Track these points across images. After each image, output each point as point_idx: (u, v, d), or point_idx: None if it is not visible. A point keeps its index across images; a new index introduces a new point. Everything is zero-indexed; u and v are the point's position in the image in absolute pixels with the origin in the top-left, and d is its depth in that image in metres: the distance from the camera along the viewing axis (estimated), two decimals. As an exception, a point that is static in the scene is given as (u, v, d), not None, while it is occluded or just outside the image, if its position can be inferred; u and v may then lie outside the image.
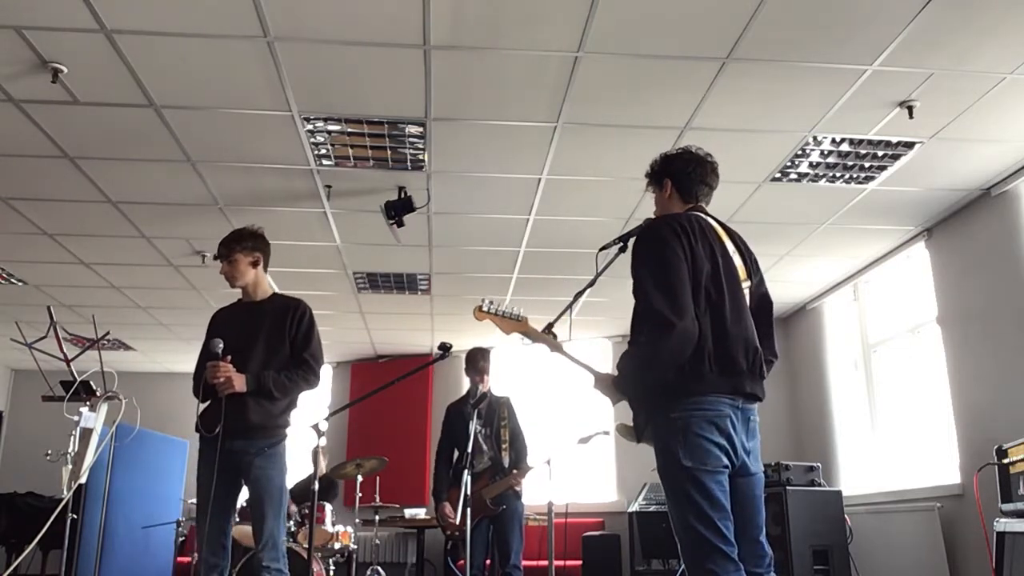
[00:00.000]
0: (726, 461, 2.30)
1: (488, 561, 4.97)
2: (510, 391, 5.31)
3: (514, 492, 4.81)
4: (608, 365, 7.63)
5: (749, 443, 2.40)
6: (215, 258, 3.70)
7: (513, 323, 2.63)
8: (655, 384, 2.34)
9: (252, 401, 3.40)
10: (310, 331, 3.60)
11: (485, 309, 2.63)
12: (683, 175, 2.63)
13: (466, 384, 9.21)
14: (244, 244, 3.61)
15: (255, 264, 3.64)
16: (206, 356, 3.45)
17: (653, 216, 2.74)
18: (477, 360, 4.84)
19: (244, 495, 3.55)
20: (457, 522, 4.63)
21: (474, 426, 4.54)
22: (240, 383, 3.37)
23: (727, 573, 2.20)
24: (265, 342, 3.52)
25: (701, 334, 2.31)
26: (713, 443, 2.28)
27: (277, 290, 3.81)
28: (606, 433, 4.87)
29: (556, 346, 2.63)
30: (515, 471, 4.79)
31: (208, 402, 3.47)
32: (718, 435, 2.29)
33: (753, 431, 2.42)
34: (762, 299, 2.58)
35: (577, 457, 7.67)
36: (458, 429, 4.86)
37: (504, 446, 4.86)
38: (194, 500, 3.51)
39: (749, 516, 2.37)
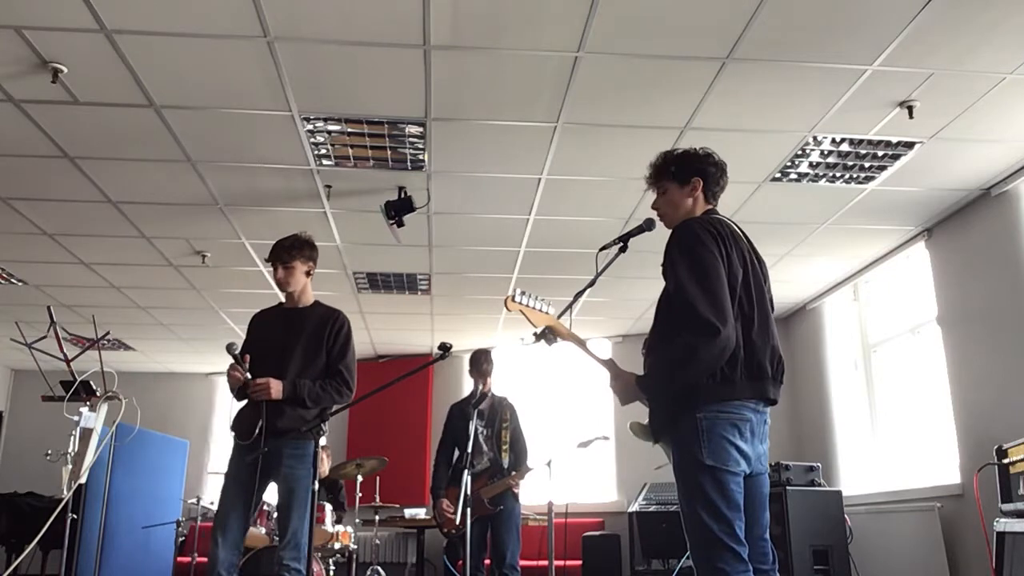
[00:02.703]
0: (743, 465, 2.32)
1: (488, 561, 4.98)
2: (509, 393, 5.32)
3: (512, 493, 4.83)
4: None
5: (761, 447, 2.43)
6: (266, 260, 3.75)
7: (543, 316, 2.60)
8: (683, 386, 2.34)
9: (287, 407, 3.46)
10: (347, 343, 3.67)
11: (516, 300, 2.58)
12: (712, 178, 2.62)
13: (466, 384, 9.23)
14: (304, 252, 3.69)
15: (308, 273, 3.73)
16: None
17: (652, 214, 2.74)
18: (480, 362, 4.88)
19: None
20: (457, 519, 4.64)
21: (474, 425, 4.55)
22: (277, 390, 3.43)
23: (737, 573, 2.21)
24: (303, 349, 3.58)
25: (736, 341, 2.32)
26: (734, 446, 2.30)
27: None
28: (606, 438, 4.87)
29: (580, 343, 2.61)
30: (514, 472, 4.82)
31: (244, 401, 3.56)
32: (739, 439, 2.31)
33: (765, 435, 2.45)
34: (769, 303, 2.59)
35: (577, 457, 7.66)
36: (459, 428, 4.88)
37: (504, 447, 4.89)
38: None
39: (756, 515, 2.40)
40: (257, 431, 3.37)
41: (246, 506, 3.43)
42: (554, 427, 8.18)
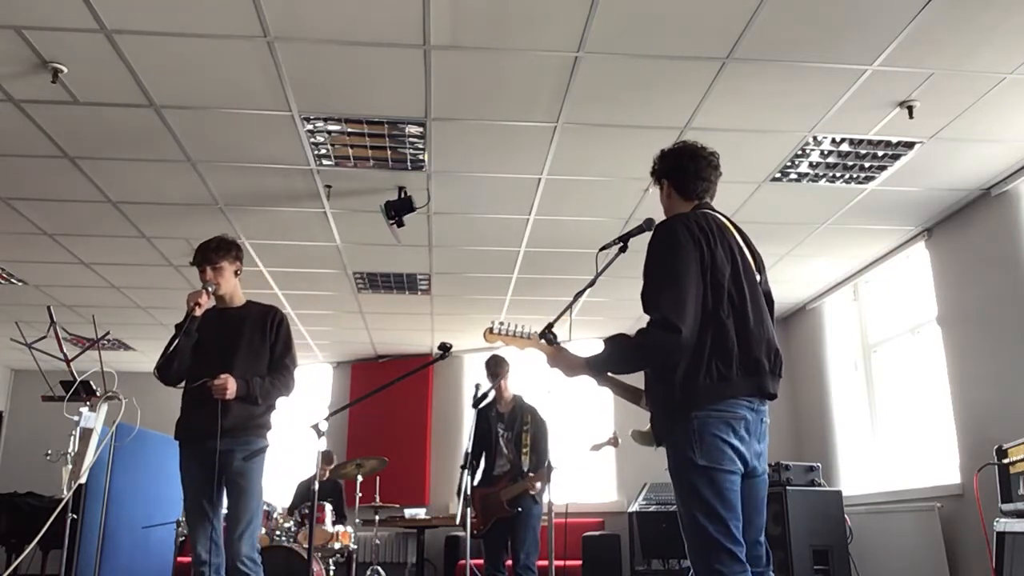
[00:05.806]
0: (739, 464, 2.29)
1: (509, 562, 5.00)
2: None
3: (531, 496, 4.83)
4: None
5: (759, 445, 2.38)
6: (193, 263, 3.73)
7: (524, 341, 2.63)
8: (628, 372, 2.42)
9: (234, 405, 3.49)
10: (288, 337, 3.73)
11: (496, 331, 2.64)
12: (678, 172, 2.58)
13: (467, 385, 9.24)
14: (231, 253, 3.70)
15: (237, 273, 3.74)
16: None
17: (652, 214, 2.73)
18: (489, 366, 5.01)
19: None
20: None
21: (486, 429, 4.55)
22: (233, 389, 3.46)
23: (734, 574, 2.19)
24: (247, 347, 3.62)
25: (725, 337, 2.30)
26: (728, 444, 2.27)
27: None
28: (615, 445, 4.77)
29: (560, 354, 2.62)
30: (531, 475, 4.81)
31: (184, 403, 3.64)
32: (733, 437, 2.28)
33: (764, 433, 2.40)
34: (766, 297, 2.55)
35: (579, 458, 7.66)
36: (483, 432, 4.98)
37: (524, 450, 4.93)
38: None
39: (750, 518, 2.35)
40: (219, 431, 3.41)
41: (213, 506, 3.49)
42: (560, 430, 8.16)
